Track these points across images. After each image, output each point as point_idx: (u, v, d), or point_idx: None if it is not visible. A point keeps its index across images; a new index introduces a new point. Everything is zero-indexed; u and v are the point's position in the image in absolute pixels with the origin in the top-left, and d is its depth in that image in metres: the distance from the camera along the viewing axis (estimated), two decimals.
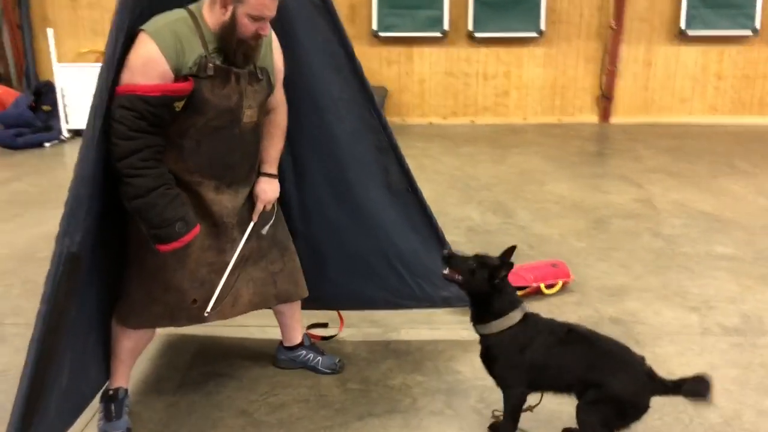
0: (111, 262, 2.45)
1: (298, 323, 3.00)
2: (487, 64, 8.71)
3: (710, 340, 3.28)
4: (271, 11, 2.26)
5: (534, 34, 8.45)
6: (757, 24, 8.25)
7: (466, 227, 4.92)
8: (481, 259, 2.38)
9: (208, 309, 2.47)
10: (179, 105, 2.22)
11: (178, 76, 2.21)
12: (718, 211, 5.24)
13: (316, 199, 2.95)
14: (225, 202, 2.46)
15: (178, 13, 2.27)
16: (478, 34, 8.46)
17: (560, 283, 3.81)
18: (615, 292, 3.83)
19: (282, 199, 2.81)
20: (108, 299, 2.51)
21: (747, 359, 3.12)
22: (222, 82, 2.29)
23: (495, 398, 2.75)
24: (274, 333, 3.06)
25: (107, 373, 2.61)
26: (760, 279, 4.00)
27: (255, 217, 2.56)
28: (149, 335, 2.64)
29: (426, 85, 8.79)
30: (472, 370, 3.03)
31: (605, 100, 8.65)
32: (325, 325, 3.38)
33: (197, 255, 2.43)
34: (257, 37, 2.30)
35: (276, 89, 2.55)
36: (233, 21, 2.22)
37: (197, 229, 2.34)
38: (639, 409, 2.29)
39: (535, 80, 8.69)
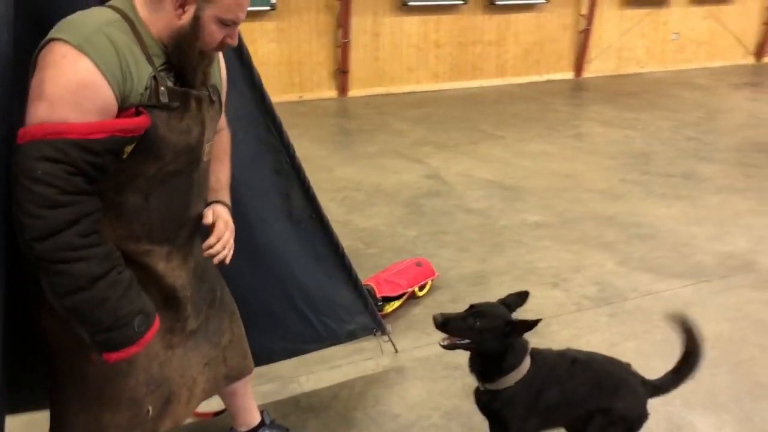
0: None
1: (253, 400, 2.34)
2: None
3: (589, 316, 3.40)
4: (245, 13, 1.58)
5: (266, 8, 7.95)
6: None
7: None
8: (483, 314, 2.00)
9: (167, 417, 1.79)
10: (128, 149, 1.49)
11: (123, 108, 1.47)
12: (500, 178, 5.53)
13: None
14: (177, 270, 1.76)
15: (104, 13, 1.48)
16: None
17: (430, 282, 3.62)
18: (476, 281, 3.77)
19: None
20: None
21: (630, 328, 3.29)
22: (180, 112, 1.57)
23: None
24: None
25: None
26: (580, 243, 4.29)
27: (211, 243, 1.74)
28: None
29: None
30: (407, 408, 2.70)
31: (342, 73, 8.59)
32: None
33: (147, 348, 1.65)
34: (222, 47, 1.61)
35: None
36: (195, 26, 1.51)
37: (157, 321, 1.61)
38: (643, 421, 2.21)
39: (270, 56, 8.23)
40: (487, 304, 2.04)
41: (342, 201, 5.01)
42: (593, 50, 10.16)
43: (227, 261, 1.74)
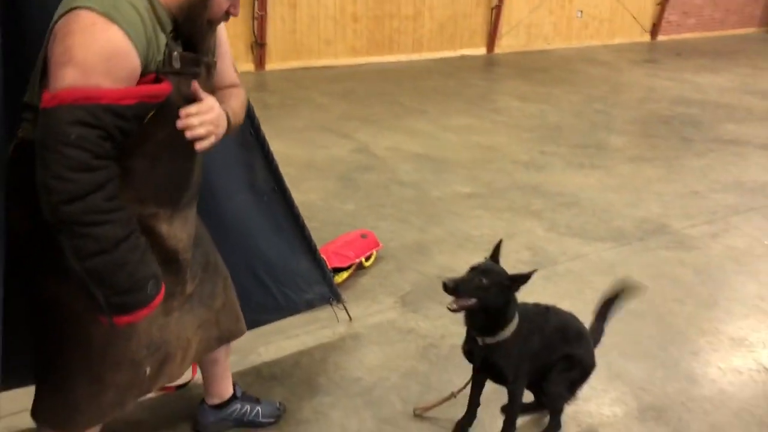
0: None
1: (229, 371, 2.37)
2: None
3: None
4: None
5: None
6: None
7: None
8: (487, 271, 2.13)
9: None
10: (150, 115, 1.53)
11: (143, 74, 1.49)
12: (428, 152, 5.68)
13: None
14: (178, 233, 1.79)
15: None
16: None
17: (375, 253, 3.72)
18: (418, 250, 3.90)
19: None
20: None
21: (564, 289, 3.53)
22: (188, 78, 1.59)
23: (414, 392, 2.68)
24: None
25: None
26: (510, 211, 4.51)
27: (191, 111, 1.56)
28: None
29: None
30: (367, 371, 2.80)
31: (259, 46, 8.46)
32: None
33: None
34: (226, 17, 1.65)
35: (228, 64, 1.89)
36: (159, 18, 1.52)
37: (164, 286, 1.64)
38: (593, 368, 2.42)
39: None
40: (487, 263, 2.19)
41: None
42: (504, 26, 10.47)
43: (199, 145, 1.57)
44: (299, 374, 2.77)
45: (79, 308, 1.63)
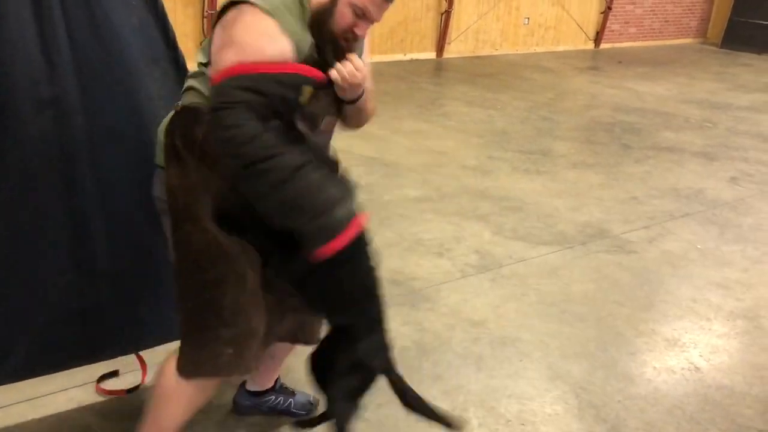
0: None
1: (279, 368, 2.52)
2: None
3: (474, 281, 3.71)
4: (377, 13, 1.76)
5: None
6: None
7: None
8: None
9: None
10: (307, 91, 1.75)
11: None
12: (380, 155, 5.75)
13: (125, 222, 2.26)
14: None
15: None
16: None
17: None
18: None
19: (80, 229, 2.11)
20: None
21: (509, 292, 3.64)
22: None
23: None
24: None
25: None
26: (459, 215, 4.62)
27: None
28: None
29: None
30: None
31: None
32: (115, 374, 2.70)
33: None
34: (348, 33, 1.77)
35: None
36: (333, 3, 1.72)
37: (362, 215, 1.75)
38: None
39: None
40: None
41: None
42: (453, 32, 10.64)
43: (347, 92, 1.79)
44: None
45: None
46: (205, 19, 8.24)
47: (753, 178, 5.82)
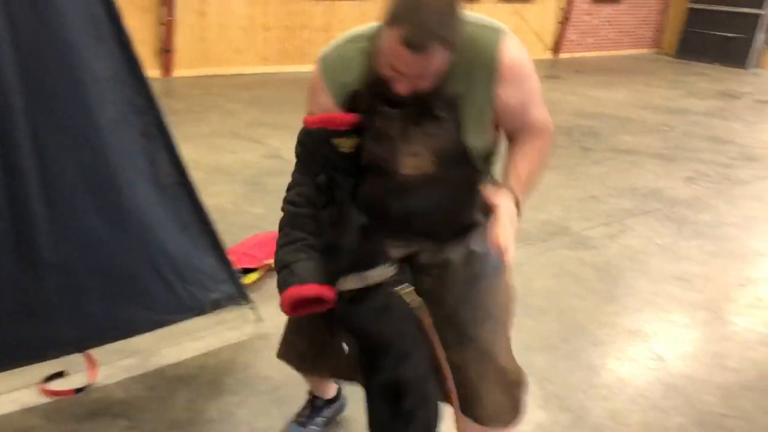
0: None
1: None
2: None
3: None
4: (408, 68, 1.53)
5: None
6: None
7: None
8: None
9: None
10: (341, 142, 1.71)
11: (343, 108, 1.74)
12: None
13: (70, 208, 2.17)
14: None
15: (364, 28, 1.75)
16: None
17: None
18: None
19: (21, 218, 1.99)
20: None
21: None
22: (373, 119, 1.71)
23: None
24: None
25: None
26: None
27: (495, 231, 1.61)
28: None
29: None
30: (277, 370, 2.74)
31: (166, 53, 8.24)
32: (60, 375, 2.57)
33: None
34: (389, 85, 1.61)
35: (522, 115, 1.83)
36: (376, 50, 1.60)
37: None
38: None
39: None
40: None
41: None
42: None
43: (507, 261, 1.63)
44: (206, 375, 2.69)
45: None
46: (162, 26, 8.11)
47: (709, 177, 5.92)
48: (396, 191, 1.77)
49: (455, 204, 1.82)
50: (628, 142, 6.97)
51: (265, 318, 3.08)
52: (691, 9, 13.83)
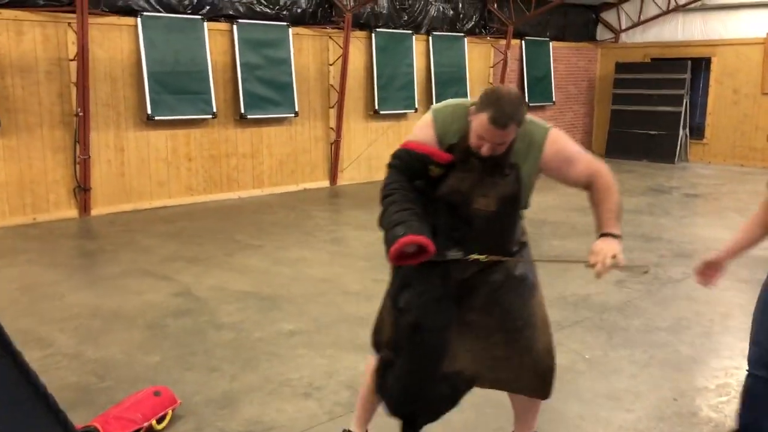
0: None
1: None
2: None
3: (343, 423, 3.28)
4: (493, 138, 2.33)
5: None
6: (214, 108, 8.91)
7: None
8: None
9: None
10: (433, 168, 2.45)
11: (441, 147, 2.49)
12: (257, 289, 5.37)
13: None
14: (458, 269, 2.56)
15: (468, 101, 2.55)
16: None
17: (170, 412, 3.26)
18: (224, 403, 3.49)
19: None
20: None
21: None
22: (462, 164, 2.45)
23: None
24: None
25: None
26: (334, 346, 4.24)
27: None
28: None
29: None
30: None
31: (83, 191, 7.97)
32: None
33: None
34: (479, 151, 2.39)
35: (571, 173, 2.54)
36: (469, 127, 2.42)
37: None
38: None
39: None
40: None
41: (74, 330, 4.47)
42: (345, 160, 10.69)
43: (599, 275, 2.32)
44: None
45: None
46: (77, 165, 7.89)
47: (639, 279, 5.76)
48: (468, 221, 2.50)
49: (503, 233, 2.57)
50: (557, 247, 6.85)
51: None
52: (615, 111, 14.39)
